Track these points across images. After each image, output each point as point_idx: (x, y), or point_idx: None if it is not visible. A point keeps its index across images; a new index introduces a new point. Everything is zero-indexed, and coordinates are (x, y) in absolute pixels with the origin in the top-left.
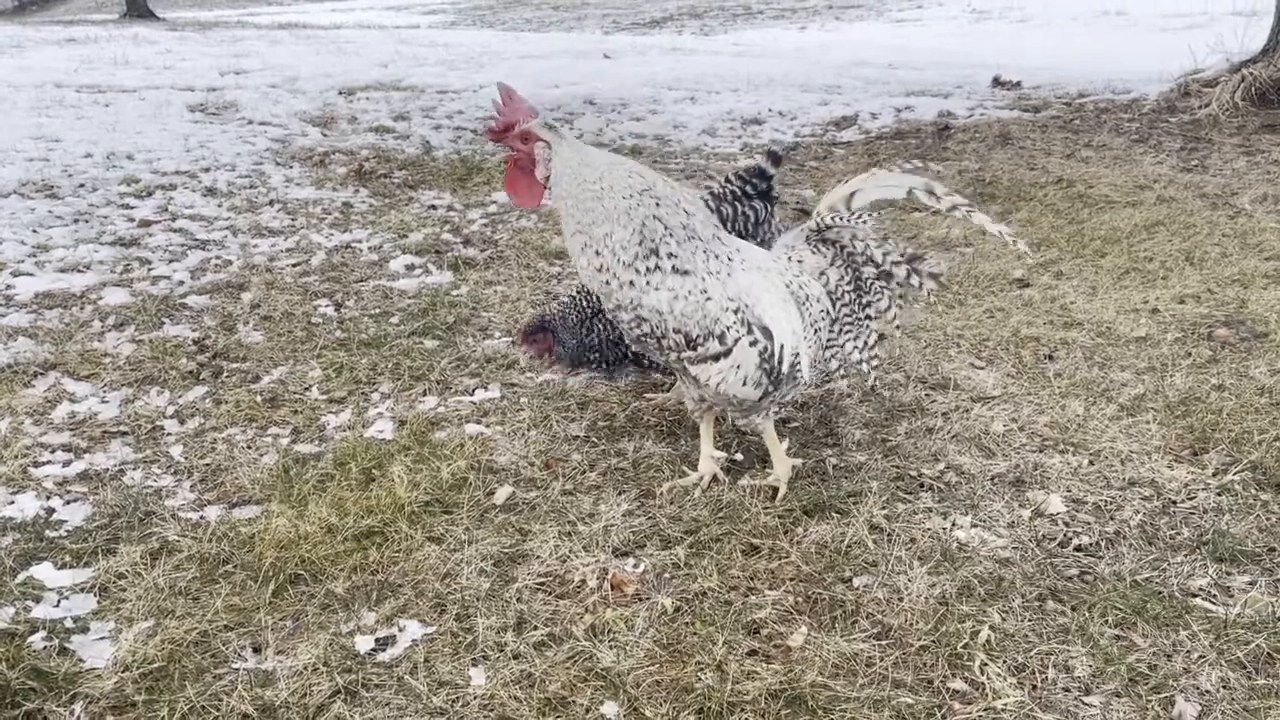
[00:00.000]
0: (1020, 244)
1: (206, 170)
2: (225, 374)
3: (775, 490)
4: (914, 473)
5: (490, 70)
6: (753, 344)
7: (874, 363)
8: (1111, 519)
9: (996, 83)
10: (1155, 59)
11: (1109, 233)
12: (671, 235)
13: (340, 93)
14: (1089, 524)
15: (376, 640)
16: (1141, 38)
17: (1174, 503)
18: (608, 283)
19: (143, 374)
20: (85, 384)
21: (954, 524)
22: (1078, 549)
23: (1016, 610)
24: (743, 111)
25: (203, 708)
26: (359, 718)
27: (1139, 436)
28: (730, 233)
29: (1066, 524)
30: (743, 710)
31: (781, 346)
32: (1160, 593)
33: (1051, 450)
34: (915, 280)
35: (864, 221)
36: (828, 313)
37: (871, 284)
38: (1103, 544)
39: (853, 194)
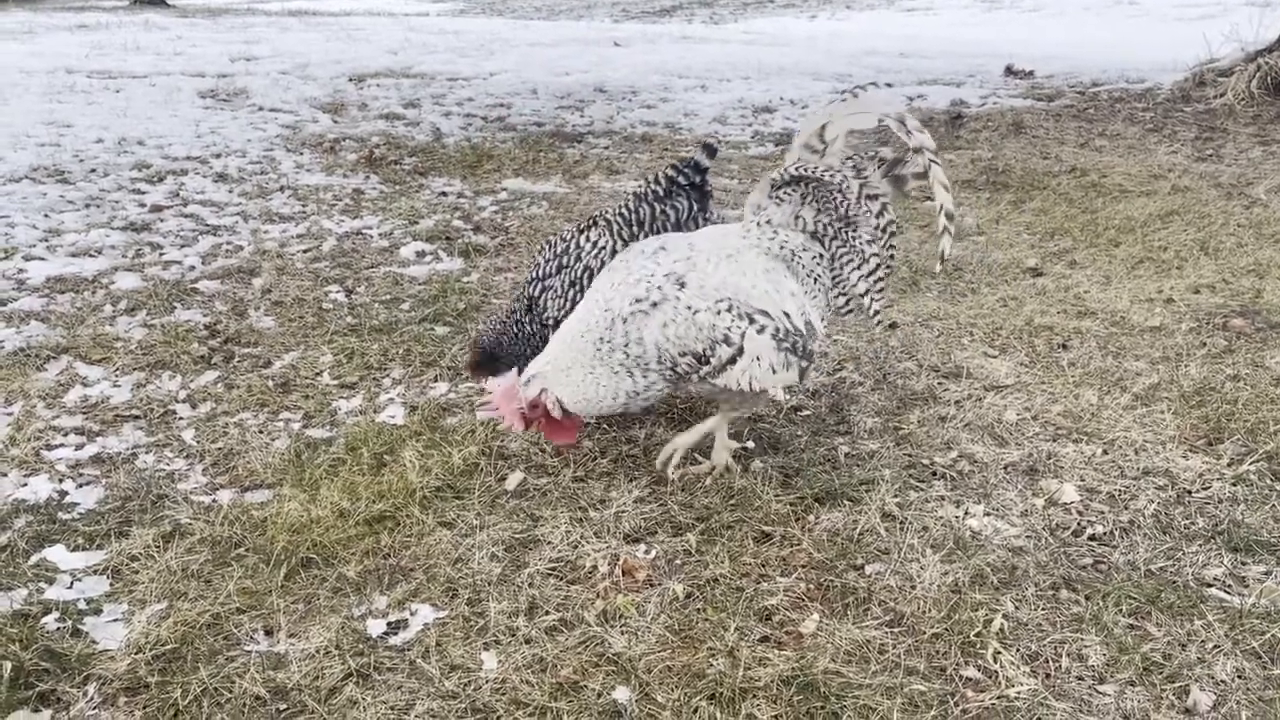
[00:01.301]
0: (945, 242)
1: (217, 156)
2: (237, 359)
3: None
4: (926, 461)
5: (500, 58)
6: (760, 331)
7: (880, 294)
8: (1126, 508)
9: (1009, 72)
10: (1169, 48)
11: (1123, 222)
12: (614, 336)
13: (350, 80)
14: (1103, 513)
15: (388, 624)
16: (1155, 27)
17: (1189, 492)
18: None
19: (154, 358)
20: (97, 368)
21: (967, 512)
22: (1091, 538)
23: (1030, 599)
24: (754, 100)
25: (215, 689)
26: (371, 700)
27: (1153, 426)
28: (654, 234)
29: (1080, 513)
30: (754, 696)
31: (787, 315)
32: (1175, 582)
33: (1065, 439)
34: (893, 189)
35: (828, 167)
36: (820, 255)
37: (854, 205)
38: (1117, 533)
39: (824, 126)
